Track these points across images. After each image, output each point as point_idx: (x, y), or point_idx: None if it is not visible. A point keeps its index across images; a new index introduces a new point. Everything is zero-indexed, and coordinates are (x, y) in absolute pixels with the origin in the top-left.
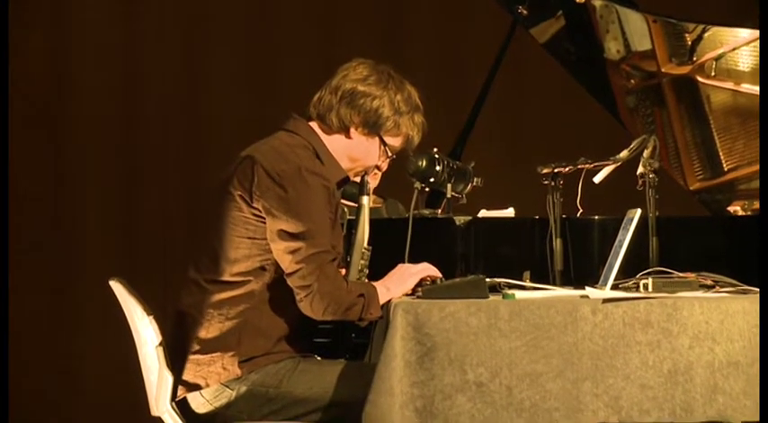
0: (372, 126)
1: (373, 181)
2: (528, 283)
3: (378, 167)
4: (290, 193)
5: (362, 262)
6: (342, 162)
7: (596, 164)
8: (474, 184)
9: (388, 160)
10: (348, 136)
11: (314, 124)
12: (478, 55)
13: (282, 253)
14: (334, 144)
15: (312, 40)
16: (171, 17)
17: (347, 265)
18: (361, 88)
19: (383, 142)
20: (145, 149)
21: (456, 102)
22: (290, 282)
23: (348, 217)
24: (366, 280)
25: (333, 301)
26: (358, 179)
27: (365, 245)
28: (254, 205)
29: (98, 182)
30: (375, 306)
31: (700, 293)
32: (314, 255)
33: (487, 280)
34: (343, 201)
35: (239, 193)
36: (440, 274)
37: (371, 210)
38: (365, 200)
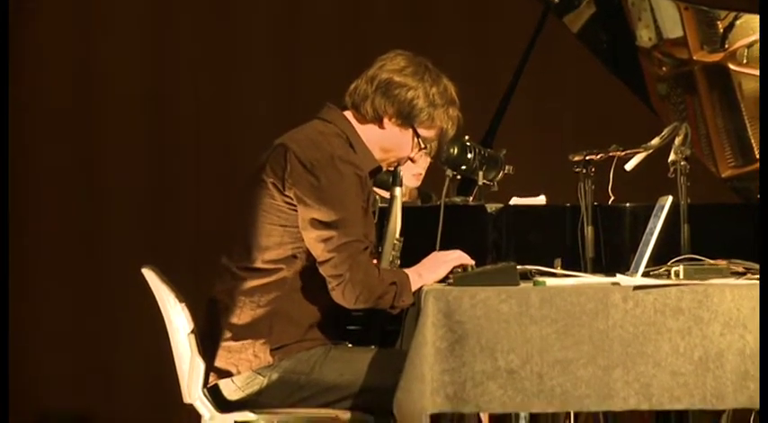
0: (406, 117)
1: (415, 181)
2: (559, 271)
3: (411, 159)
4: (323, 182)
5: (394, 253)
6: (374, 152)
7: (628, 151)
8: (505, 171)
9: (421, 152)
10: (381, 126)
11: (348, 113)
12: (510, 40)
13: (314, 241)
14: (368, 134)
15: (339, 25)
16: (198, 10)
17: (379, 256)
18: (396, 79)
19: (416, 134)
20: (176, 137)
21: (488, 89)
22: (322, 270)
23: (380, 205)
24: None
25: (365, 289)
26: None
27: (397, 236)
28: (287, 193)
29: (129, 170)
30: (407, 293)
31: (731, 280)
32: (346, 243)
33: (518, 267)
34: (375, 188)
35: (272, 180)
36: (473, 263)
37: (404, 202)
38: (398, 191)
